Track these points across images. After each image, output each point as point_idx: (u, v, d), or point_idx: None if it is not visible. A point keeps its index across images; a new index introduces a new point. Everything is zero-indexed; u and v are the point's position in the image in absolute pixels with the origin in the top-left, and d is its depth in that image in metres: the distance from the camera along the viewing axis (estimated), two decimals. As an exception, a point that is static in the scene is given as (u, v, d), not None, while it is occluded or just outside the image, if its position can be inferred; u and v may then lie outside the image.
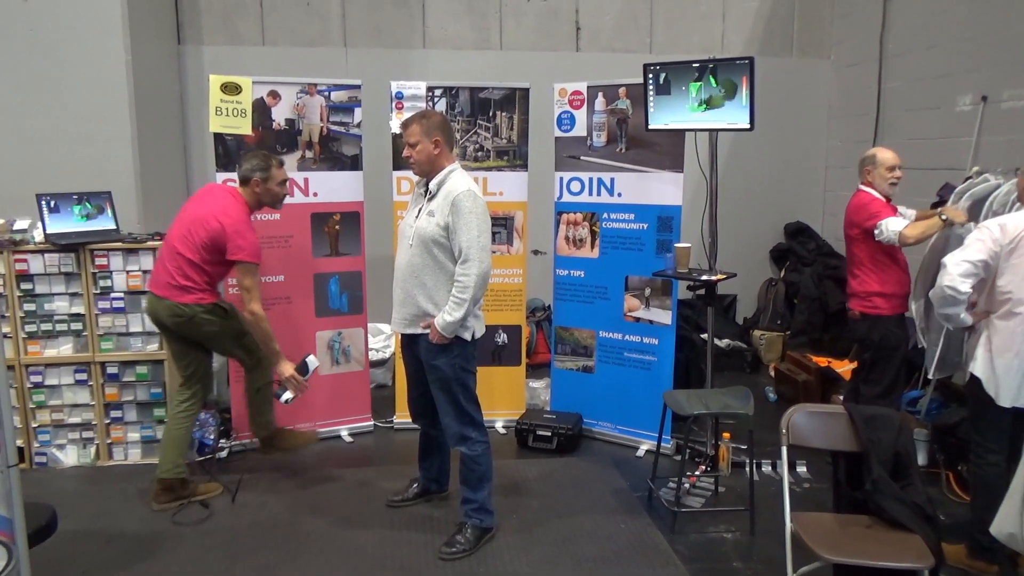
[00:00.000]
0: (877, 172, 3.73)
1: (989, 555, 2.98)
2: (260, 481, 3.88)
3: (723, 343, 5.88)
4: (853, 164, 6.01)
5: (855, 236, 3.74)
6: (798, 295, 6.06)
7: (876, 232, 3.59)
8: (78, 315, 4.00)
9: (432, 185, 3.15)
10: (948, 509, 3.54)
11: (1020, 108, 4.40)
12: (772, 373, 5.49)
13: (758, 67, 3.54)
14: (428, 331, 3.11)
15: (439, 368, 3.14)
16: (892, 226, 3.53)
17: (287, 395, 3.62)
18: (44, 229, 3.94)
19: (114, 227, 4.12)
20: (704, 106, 3.71)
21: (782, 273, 6.43)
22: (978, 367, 2.91)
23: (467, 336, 3.13)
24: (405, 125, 3.17)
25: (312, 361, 3.73)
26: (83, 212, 4.04)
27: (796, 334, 5.92)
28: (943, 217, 3.51)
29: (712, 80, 3.66)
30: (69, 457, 4.10)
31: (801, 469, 3.99)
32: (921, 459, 3.86)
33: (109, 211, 4.13)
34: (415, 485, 3.67)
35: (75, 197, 4.03)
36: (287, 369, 3.58)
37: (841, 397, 4.44)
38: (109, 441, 4.11)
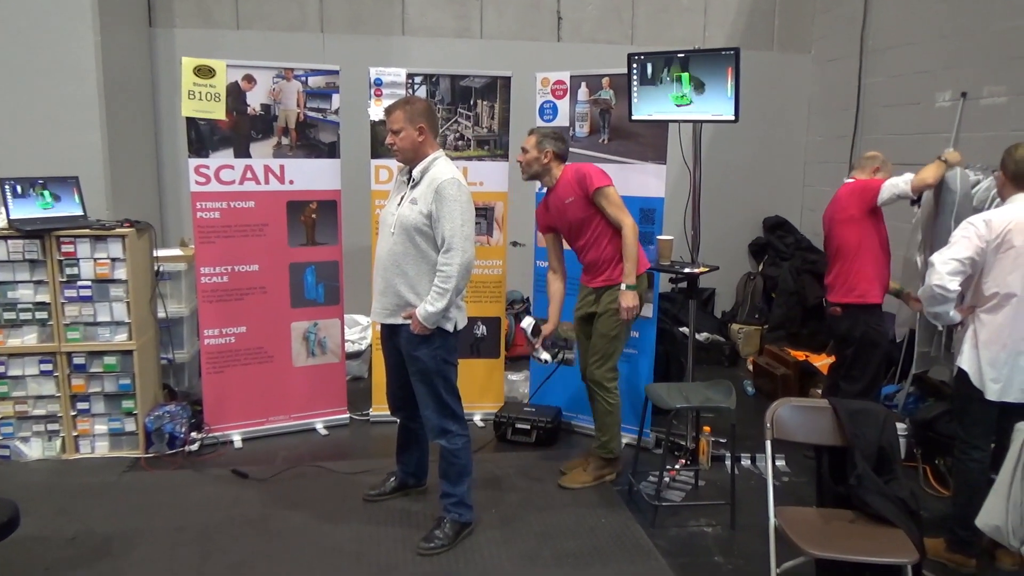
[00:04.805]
0: (884, 172, 3.79)
1: (968, 549, 3.00)
2: (232, 476, 3.79)
3: (701, 337, 5.87)
4: (833, 159, 6.13)
5: (846, 219, 3.70)
6: (776, 289, 6.08)
7: (886, 195, 3.57)
8: (43, 303, 3.87)
9: (416, 172, 3.08)
10: (925, 503, 3.54)
11: (999, 105, 4.43)
12: (750, 367, 5.50)
13: (739, 60, 3.51)
14: (409, 321, 3.04)
15: (420, 360, 3.07)
16: (899, 181, 3.55)
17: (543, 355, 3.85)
18: (8, 215, 3.80)
19: (81, 213, 4.00)
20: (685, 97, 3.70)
21: (760, 267, 6.45)
22: (965, 360, 2.92)
23: (449, 327, 3.07)
24: (388, 112, 3.09)
25: (526, 323, 3.84)
26: (47, 199, 3.90)
27: (774, 328, 5.93)
28: (943, 158, 3.59)
29: (685, 80, 3.68)
30: (33, 450, 3.97)
31: (780, 463, 3.99)
32: (898, 453, 3.88)
33: (76, 197, 3.99)
34: (392, 479, 3.60)
35: (40, 182, 3.89)
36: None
37: (819, 391, 4.45)
38: (75, 434, 3.99)
